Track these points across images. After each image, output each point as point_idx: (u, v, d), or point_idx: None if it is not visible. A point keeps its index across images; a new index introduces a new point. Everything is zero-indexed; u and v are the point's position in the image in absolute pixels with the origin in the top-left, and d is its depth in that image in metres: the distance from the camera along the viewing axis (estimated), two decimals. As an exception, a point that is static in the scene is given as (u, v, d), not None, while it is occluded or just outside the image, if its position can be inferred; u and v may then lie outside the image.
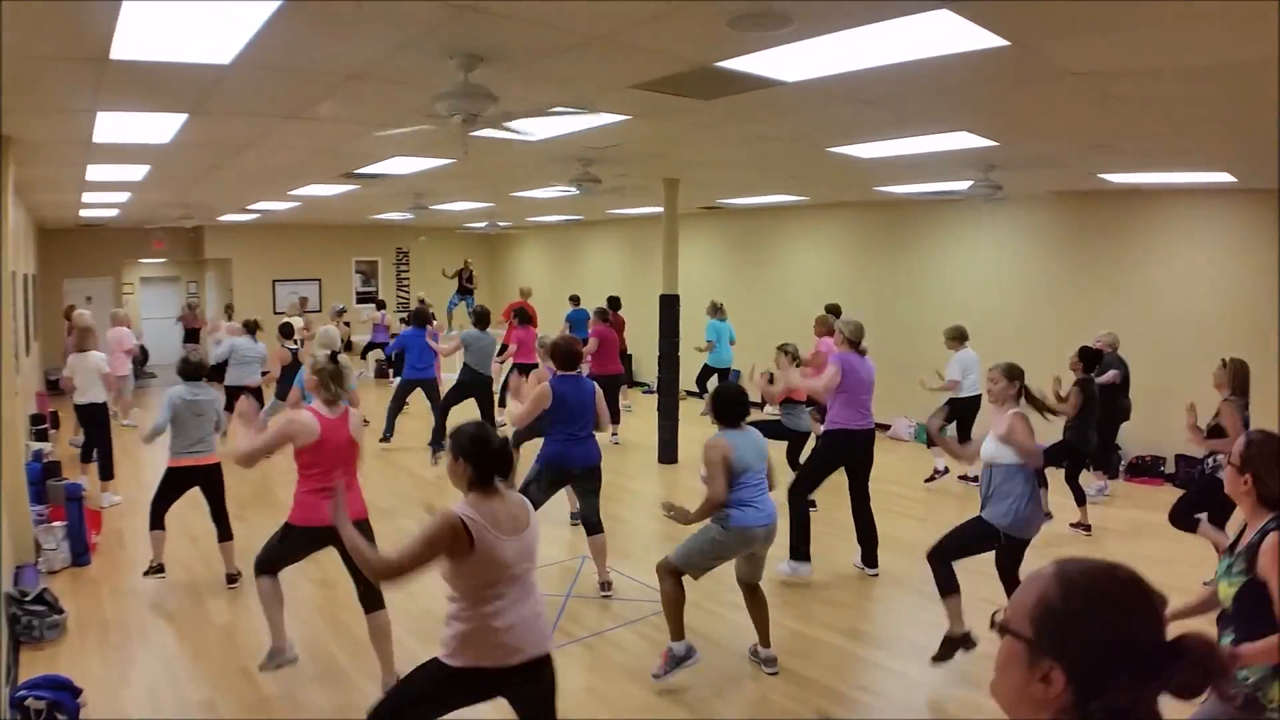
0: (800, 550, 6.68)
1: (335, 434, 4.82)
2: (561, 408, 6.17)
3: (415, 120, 5.21)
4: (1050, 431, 8.25)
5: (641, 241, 17.15)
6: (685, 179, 10.40)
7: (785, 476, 7.95)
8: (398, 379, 11.86)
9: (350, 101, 5.77)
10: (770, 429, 7.71)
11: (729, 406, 4.98)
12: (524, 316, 11.91)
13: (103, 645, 5.59)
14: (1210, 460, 6.40)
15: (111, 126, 6.53)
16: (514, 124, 5.36)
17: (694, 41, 4.38)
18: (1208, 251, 9.80)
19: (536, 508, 5.98)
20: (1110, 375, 8.55)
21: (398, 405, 11.00)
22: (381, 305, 18.73)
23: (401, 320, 16.71)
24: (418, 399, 11.19)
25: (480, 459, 3.26)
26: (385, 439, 11.01)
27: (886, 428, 12.26)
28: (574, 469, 6.27)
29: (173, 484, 6.55)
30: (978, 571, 5.32)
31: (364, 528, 4.76)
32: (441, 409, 9.91)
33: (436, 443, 10.39)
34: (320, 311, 19.25)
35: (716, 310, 12.64)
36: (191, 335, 17.34)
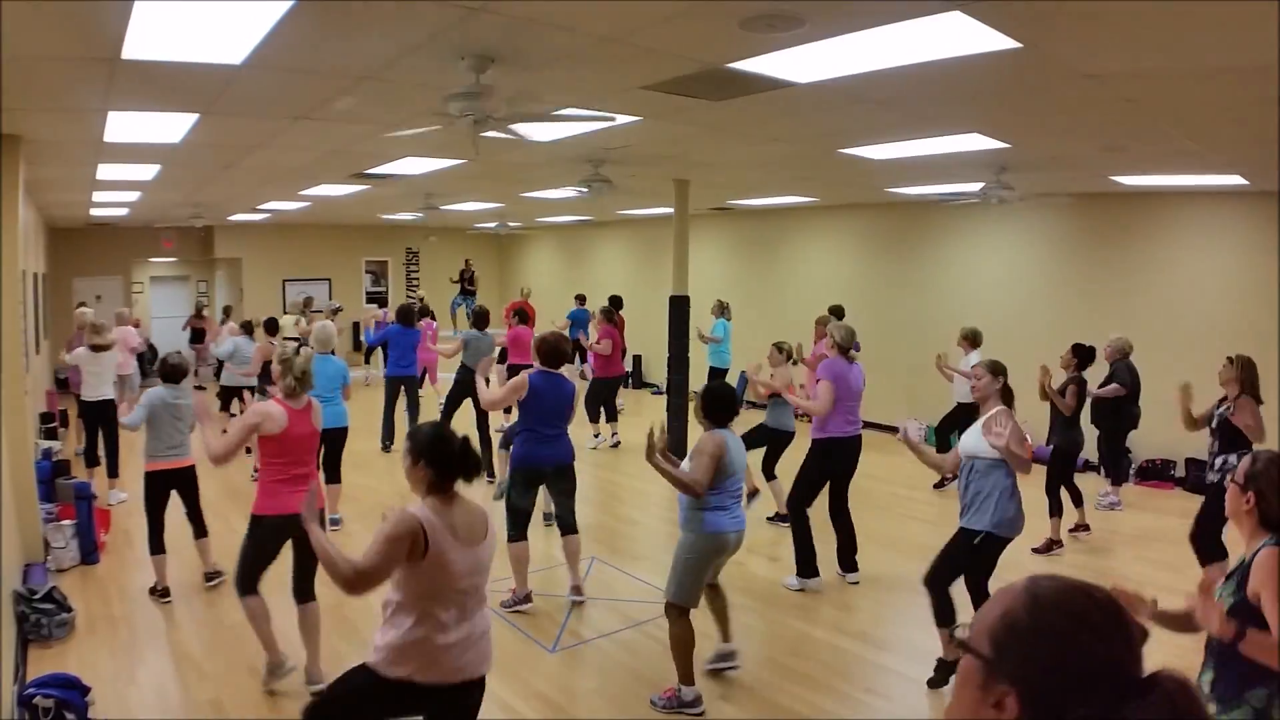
0: (807, 566, 6.60)
1: (299, 425, 4.92)
2: (537, 403, 6.04)
3: (426, 121, 5.20)
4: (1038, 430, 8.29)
5: (651, 242, 17.15)
6: (696, 180, 10.39)
7: (759, 485, 7.98)
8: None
9: (362, 102, 5.77)
10: (751, 437, 7.65)
11: (717, 405, 4.89)
12: (523, 316, 11.85)
13: (111, 644, 5.61)
14: (1219, 462, 6.25)
15: (122, 126, 6.53)
16: (524, 126, 5.35)
17: (706, 43, 4.36)
18: (1219, 254, 9.75)
19: (523, 513, 6.04)
20: (1111, 389, 8.31)
21: (390, 407, 10.88)
22: (384, 304, 18.78)
23: None
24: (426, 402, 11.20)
25: (441, 462, 3.18)
26: (385, 448, 10.93)
27: (895, 430, 12.21)
28: (545, 468, 6.15)
29: (154, 492, 6.38)
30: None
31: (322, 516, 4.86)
32: (444, 413, 9.86)
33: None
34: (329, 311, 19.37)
35: (723, 309, 12.60)
36: (198, 337, 17.40)
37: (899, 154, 7.70)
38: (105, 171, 9.08)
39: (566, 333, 15.35)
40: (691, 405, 10.32)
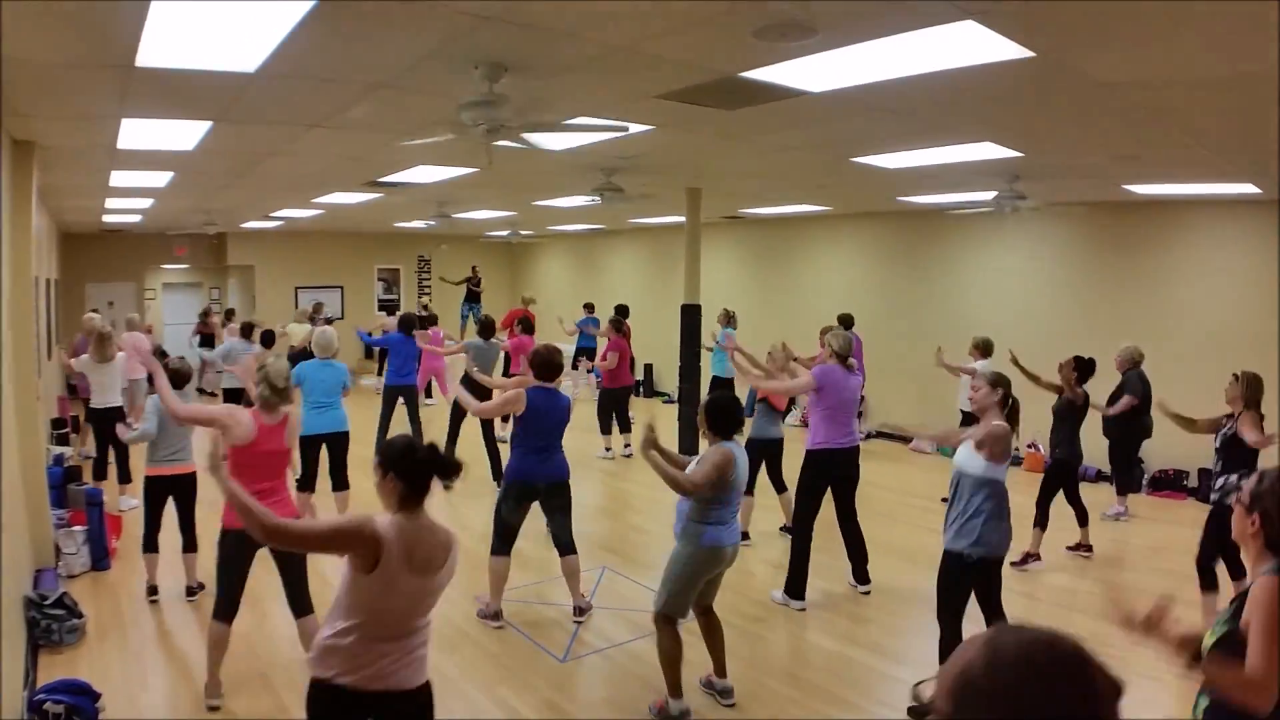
0: (796, 587, 6.44)
1: (267, 440, 4.83)
2: (534, 419, 5.93)
3: (440, 130, 5.21)
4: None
5: (663, 251, 17.16)
6: (708, 188, 10.40)
7: (769, 498, 7.93)
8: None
9: (375, 110, 5.79)
10: (752, 451, 7.43)
11: (720, 415, 4.73)
12: (527, 325, 11.80)
13: (122, 650, 5.62)
14: (1219, 482, 6.05)
15: (136, 133, 6.55)
16: (536, 135, 5.35)
17: (719, 52, 4.36)
18: (1232, 262, 9.70)
19: (510, 528, 5.97)
20: (1125, 401, 8.26)
21: (386, 417, 10.58)
22: (393, 311, 18.83)
23: None
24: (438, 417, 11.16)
25: (410, 473, 3.03)
26: None
27: (908, 440, 12.21)
28: (537, 484, 5.99)
29: (153, 496, 6.41)
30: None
31: None
32: (450, 433, 9.83)
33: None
34: (344, 318, 19.45)
35: (729, 319, 12.54)
36: (207, 341, 17.45)
37: (911, 163, 7.69)
38: (118, 178, 9.12)
39: (575, 341, 15.43)
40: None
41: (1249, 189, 8.50)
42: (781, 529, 8.03)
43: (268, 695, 5.00)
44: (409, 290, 21.37)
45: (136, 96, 5.30)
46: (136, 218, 14.35)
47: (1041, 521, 7.28)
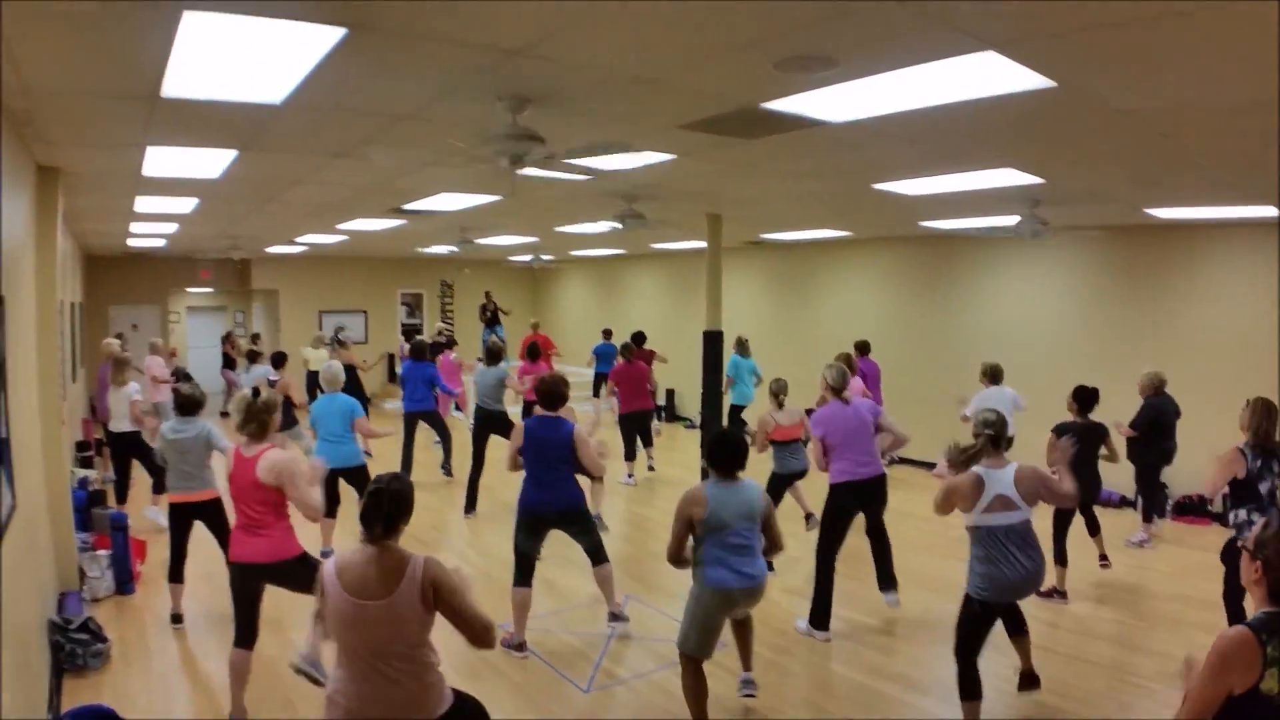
0: (820, 617, 6.38)
1: (240, 471, 4.84)
2: (533, 448, 5.92)
3: (463, 160, 5.25)
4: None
5: (684, 275, 17.21)
6: (729, 215, 10.42)
7: (795, 524, 7.89)
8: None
9: (400, 141, 5.85)
10: (769, 489, 7.37)
11: (718, 452, 4.67)
12: (533, 352, 11.81)
13: (146, 675, 5.65)
14: (1231, 517, 5.83)
15: (161, 161, 6.59)
16: (562, 167, 5.39)
17: (740, 84, 4.40)
18: (1255, 286, 9.60)
19: (526, 558, 5.97)
20: (1126, 430, 8.21)
21: (407, 443, 10.73)
22: (410, 336, 18.93)
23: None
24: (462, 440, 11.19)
25: (367, 505, 3.18)
26: None
27: (932, 465, 12.12)
28: (546, 514, 5.98)
29: (175, 521, 6.44)
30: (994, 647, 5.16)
31: (288, 567, 4.84)
32: (474, 464, 9.86)
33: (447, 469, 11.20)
34: (367, 342, 19.57)
35: (741, 346, 12.51)
36: (230, 362, 17.61)
37: (933, 189, 7.69)
38: (143, 203, 9.18)
39: (593, 369, 15.46)
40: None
41: (1271, 212, 8.45)
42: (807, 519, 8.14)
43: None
44: (431, 314, 21.50)
45: (162, 125, 5.35)
46: (161, 242, 14.50)
47: (1061, 559, 7.11)
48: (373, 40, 3.67)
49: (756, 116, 5.03)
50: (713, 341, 10.53)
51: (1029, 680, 5.26)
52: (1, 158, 4.53)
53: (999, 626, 4.97)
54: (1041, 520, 5.04)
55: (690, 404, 16.29)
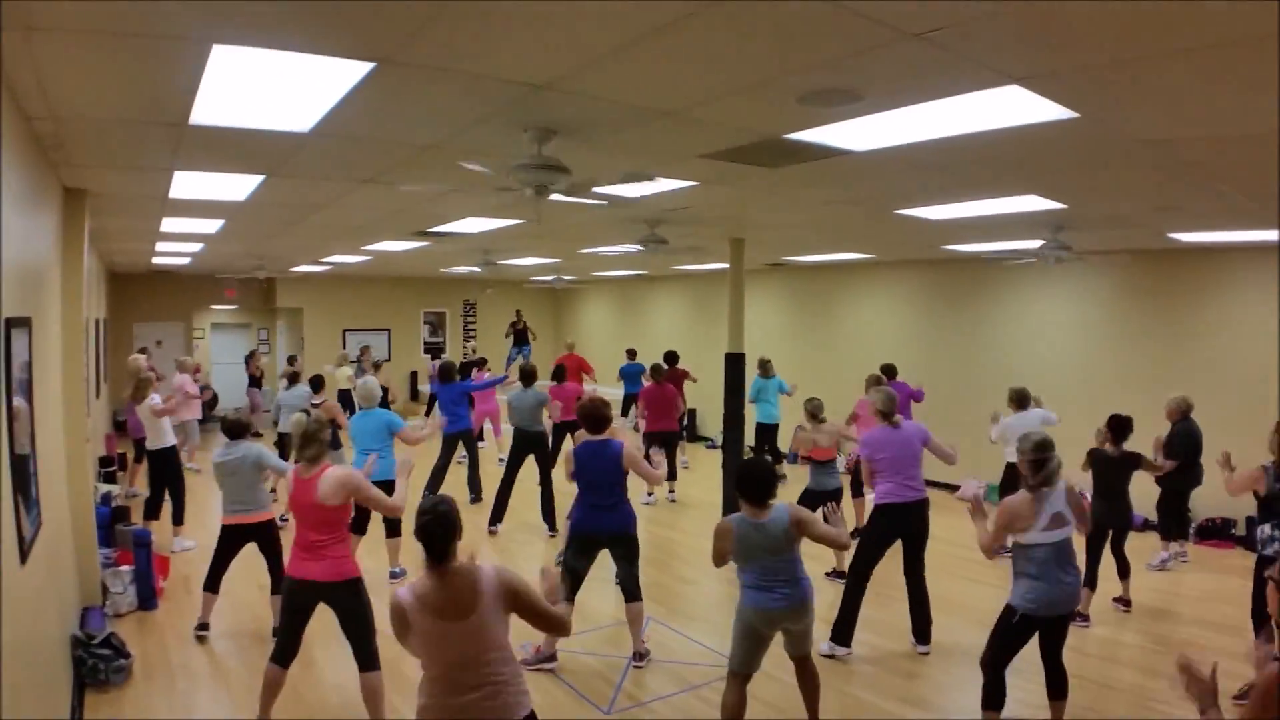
0: (844, 633, 6.42)
1: (300, 493, 4.92)
2: (582, 474, 6.05)
3: (488, 189, 5.29)
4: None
5: (706, 297, 17.23)
6: (751, 239, 10.44)
7: (821, 547, 7.84)
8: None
9: (427, 170, 5.91)
10: (806, 501, 7.59)
11: (749, 485, 4.66)
12: (559, 374, 11.79)
13: (169, 691, 5.70)
14: (1259, 532, 5.89)
15: (188, 184, 6.64)
16: (586, 194, 5.43)
17: (764, 116, 4.43)
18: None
19: (577, 575, 6.04)
20: (1168, 465, 8.12)
21: (441, 466, 10.56)
22: (436, 355, 19.04)
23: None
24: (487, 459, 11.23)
25: (423, 536, 3.27)
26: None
27: (955, 488, 12.03)
28: (600, 536, 6.14)
29: (222, 541, 6.56)
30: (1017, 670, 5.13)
31: (343, 589, 4.87)
32: (505, 479, 9.90)
33: (476, 494, 11.18)
34: (390, 360, 19.68)
35: (763, 367, 12.51)
36: (255, 381, 17.73)
37: (956, 214, 7.69)
38: (169, 224, 9.25)
39: (622, 388, 15.50)
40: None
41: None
42: (826, 574, 8.01)
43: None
44: (454, 334, 21.62)
45: (190, 151, 5.41)
46: (186, 260, 14.63)
47: (1091, 582, 7.06)
48: (402, 74, 3.73)
49: (780, 147, 5.07)
50: (734, 363, 10.53)
51: None
52: (27, 180, 4.58)
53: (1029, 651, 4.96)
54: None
55: (711, 424, 16.30)
